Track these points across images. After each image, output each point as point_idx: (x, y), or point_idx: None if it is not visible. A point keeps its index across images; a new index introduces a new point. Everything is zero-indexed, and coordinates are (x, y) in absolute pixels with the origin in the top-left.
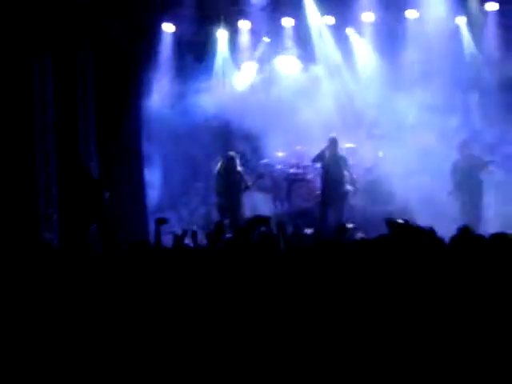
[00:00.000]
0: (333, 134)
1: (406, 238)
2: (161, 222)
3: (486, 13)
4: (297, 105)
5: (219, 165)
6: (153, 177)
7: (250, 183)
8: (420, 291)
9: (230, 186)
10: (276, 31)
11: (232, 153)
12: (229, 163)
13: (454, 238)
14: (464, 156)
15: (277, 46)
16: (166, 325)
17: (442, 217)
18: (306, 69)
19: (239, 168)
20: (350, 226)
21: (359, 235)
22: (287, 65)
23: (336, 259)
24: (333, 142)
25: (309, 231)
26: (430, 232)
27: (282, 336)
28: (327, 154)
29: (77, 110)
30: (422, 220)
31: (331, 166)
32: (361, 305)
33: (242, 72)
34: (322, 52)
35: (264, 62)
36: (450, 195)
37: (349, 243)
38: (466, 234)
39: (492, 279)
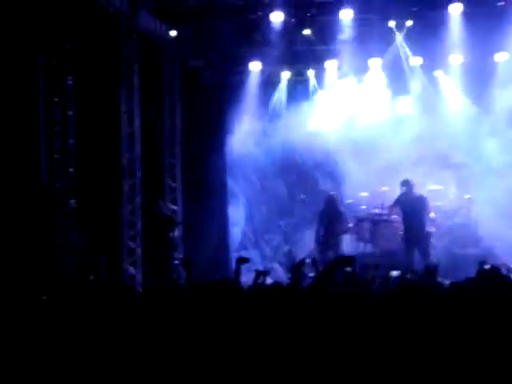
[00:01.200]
0: (405, 177)
1: (493, 284)
2: (242, 261)
3: None
4: (382, 143)
5: (323, 205)
6: (237, 214)
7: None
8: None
9: (331, 225)
10: (363, 68)
11: (333, 193)
12: (331, 203)
13: None
14: None
15: (362, 83)
16: (243, 364)
17: None
18: (392, 107)
19: (341, 209)
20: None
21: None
22: (373, 102)
23: (423, 304)
24: (406, 185)
25: (395, 273)
26: None
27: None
28: (404, 196)
29: (163, 146)
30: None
31: (409, 208)
32: (448, 351)
33: (328, 109)
34: (412, 90)
35: (348, 100)
36: None
37: (436, 287)
38: None
39: None
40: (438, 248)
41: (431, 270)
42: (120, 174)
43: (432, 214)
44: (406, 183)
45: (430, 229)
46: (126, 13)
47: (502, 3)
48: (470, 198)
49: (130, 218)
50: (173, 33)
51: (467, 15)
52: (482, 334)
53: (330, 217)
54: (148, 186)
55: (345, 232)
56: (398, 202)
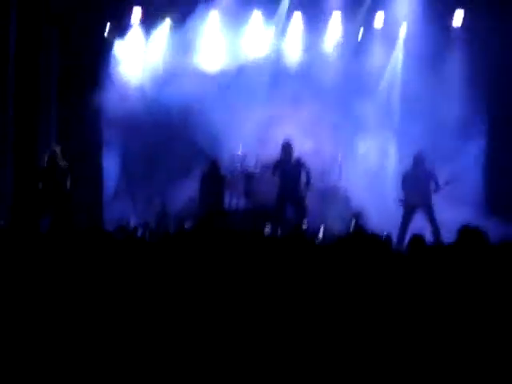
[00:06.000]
0: (286, 139)
1: (363, 242)
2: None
3: None
4: (259, 99)
5: (205, 169)
6: (111, 164)
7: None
8: (370, 296)
9: (214, 188)
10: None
11: (215, 159)
12: (213, 168)
13: (407, 246)
14: (416, 169)
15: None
16: (109, 317)
17: (395, 222)
18: (273, 62)
19: (222, 173)
20: (304, 224)
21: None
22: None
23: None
24: (287, 147)
25: (267, 229)
26: (385, 239)
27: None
28: (283, 158)
29: (39, 96)
30: (376, 225)
31: (288, 169)
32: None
33: (208, 60)
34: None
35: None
36: (399, 203)
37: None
38: (417, 242)
39: (444, 287)
40: (309, 209)
41: (299, 227)
42: None
43: (310, 178)
44: (286, 145)
45: (306, 191)
46: None
47: None
48: (342, 159)
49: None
50: None
51: None
52: (345, 287)
53: (213, 181)
54: (21, 128)
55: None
56: (276, 166)
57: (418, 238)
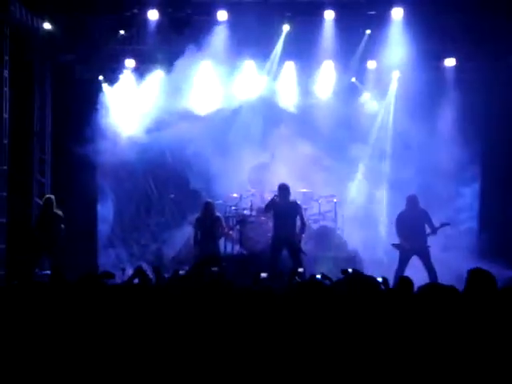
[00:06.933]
0: (283, 182)
1: (358, 286)
2: (107, 276)
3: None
4: (254, 142)
5: (199, 212)
6: (106, 211)
7: (230, 232)
8: (367, 336)
9: (209, 230)
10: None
11: (210, 200)
12: (208, 210)
13: (395, 288)
14: (411, 210)
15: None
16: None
17: (389, 266)
18: (268, 106)
19: (217, 214)
20: (300, 270)
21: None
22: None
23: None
24: (283, 189)
25: (263, 275)
26: (383, 282)
27: None
28: (278, 200)
29: (33, 140)
30: (371, 268)
31: (282, 213)
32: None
33: (200, 108)
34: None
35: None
36: (395, 247)
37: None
38: (404, 284)
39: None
40: (305, 251)
41: (294, 273)
42: None
43: (304, 220)
44: (282, 187)
45: (300, 235)
46: None
47: (373, 12)
48: (336, 202)
49: None
50: (46, 26)
51: (341, 22)
52: (350, 329)
53: (208, 223)
54: (16, 180)
55: (222, 236)
56: (272, 205)
57: (406, 280)
